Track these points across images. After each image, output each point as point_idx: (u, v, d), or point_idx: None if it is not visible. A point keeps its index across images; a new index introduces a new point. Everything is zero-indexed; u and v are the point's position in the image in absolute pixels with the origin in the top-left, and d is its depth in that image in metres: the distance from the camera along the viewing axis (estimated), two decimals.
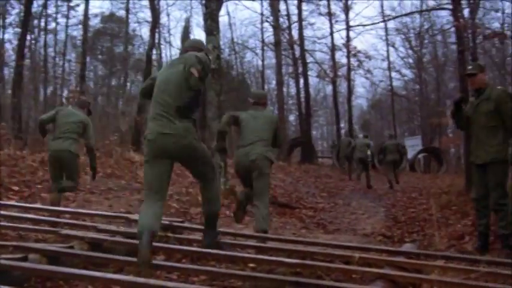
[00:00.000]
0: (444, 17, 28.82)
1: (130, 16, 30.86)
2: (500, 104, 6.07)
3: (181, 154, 4.36)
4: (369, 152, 16.65)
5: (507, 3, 19.54)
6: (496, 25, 20.02)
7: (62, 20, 30.54)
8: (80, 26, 28.31)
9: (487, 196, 6.16)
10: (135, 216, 6.20)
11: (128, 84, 35.56)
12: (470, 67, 6.67)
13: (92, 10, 38.79)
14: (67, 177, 7.34)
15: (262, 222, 5.97)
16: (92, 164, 7.78)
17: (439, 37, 31.07)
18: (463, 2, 14.09)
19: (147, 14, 31.69)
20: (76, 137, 7.43)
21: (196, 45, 4.84)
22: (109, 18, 33.65)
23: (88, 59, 30.91)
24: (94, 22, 32.66)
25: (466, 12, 14.59)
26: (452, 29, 15.84)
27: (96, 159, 8.01)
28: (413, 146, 29.89)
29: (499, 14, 20.41)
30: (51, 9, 29.27)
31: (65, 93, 31.39)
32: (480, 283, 3.71)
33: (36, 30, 28.52)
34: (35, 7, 25.10)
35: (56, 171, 7.34)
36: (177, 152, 4.32)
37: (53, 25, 30.71)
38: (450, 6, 13.52)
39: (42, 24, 29.13)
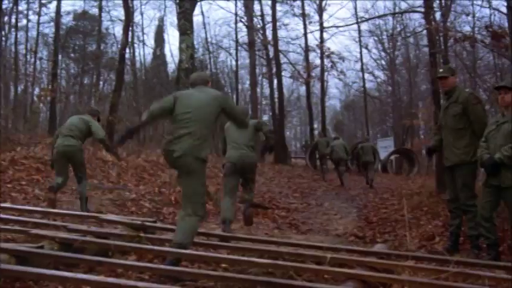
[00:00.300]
0: (416, 19, 29.19)
1: (103, 14, 30.63)
2: (467, 106, 6.18)
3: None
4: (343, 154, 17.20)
5: (478, 8, 19.88)
6: (467, 29, 20.26)
7: (33, 17, 30.10)
8: (52, 24, 27.94)
9: (458, 197, 6.26)
10: (106, 216, 6.16)
11: (101, 83, 35.22)
12: (441, 70, 6.78)
13: (64, 7, 38.54)
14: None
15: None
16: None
17: (411, 39, 31.35)
18: (435, 5, 14.26)
19: (120, 13, 31.42)
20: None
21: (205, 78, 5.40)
22: (81, 16, 33.28)
23: (60, 57, 30.56)
24: (66, 20, 32.28)
25: (438, 15, 14.76)
26: (424, 32, 15.98)
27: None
28: (385, 147, 30.17)
29: (470, 18, 20.67)
30: (22, 6, 28.81)
31: (36, 91, 31.04)
32: (450, 283, 3.75)
33: (6, 27, 28.05)
34: (6, 4, 24.74)
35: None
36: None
37: (24, 22, 30.27)
38: (422, 9, 13.67)
39: (13, 21, 28.66)
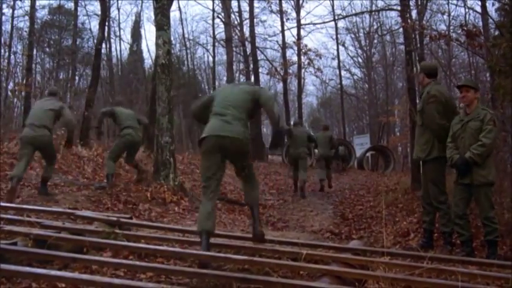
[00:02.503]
0: (393, 17, 29.48)
1: (79, 8, 30.21)
2: (423, 104, 6.31)
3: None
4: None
5: (453, 7, 20.08)
6: (443, 27, 20.48)
7: (7, 11, 29.64)
8: (27, 18, 27.53)
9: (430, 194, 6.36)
10: (81, 212, 6.11)
11: (77, 78, 34.84)
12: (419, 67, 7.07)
13: (39, 1, 37.96)
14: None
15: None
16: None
17: (387, 37, 31.63)
18: (411, 3, 14.39)
19: (96, 7, 31.20)
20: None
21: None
22: (57, 10, 32.92)
23: (35, 51, 30.17)
24: (41, 14, 31.90)
25: (414, 13, 14.90)
26: (401, 30, 16.13)
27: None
28: (361, 144, 30.33)
29: (446, 17, 20.90)
30: None
31: (11, 86, 30.62)
32: (423, 279, 3.79)
33: None
34: None
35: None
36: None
37: None
38: (399, 8, 13.77)
39: None
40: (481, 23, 14.52)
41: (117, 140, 10.26)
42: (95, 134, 11.00)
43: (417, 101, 11.94)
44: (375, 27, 34.66)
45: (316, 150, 15.45)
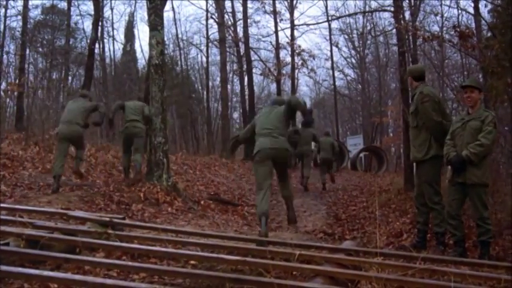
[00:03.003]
0: (386, 18, 29.57)
1: (72, 8, 30.20)
2: (417, 105, 6.31)
3: None
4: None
5: (446, 8, 20.13)
6: (436, 28, 20.55)
7: None
8: (20, 17, 27.43)
9: (424, 194, 6.36)
10: (74, 213, 6.08)
11: (70, 78, 34.75)
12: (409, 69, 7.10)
13: (32, 1, 37.88)
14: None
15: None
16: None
17: (381, 38, 31.70)
18: (404, 4, 14.42)
19: (89, 7, 31.12)
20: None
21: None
22: (50, 10, 32.76)
23: (28, 51, 30.03)
24: (34, 13, 31.74)
25: (407, 14, 14.93)
26: (394, 31, 16.14)
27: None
28: (355, 144, 30.39)
29: (439, 18, 20.94)
30: None
31: (3, 86, 30.48)
32: (416, 279, 3.80)
33: None
34: None
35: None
36: None
37: None
38: (392, 9, 13.80)
39: None
40: (473, 25, 14.56)
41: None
42: (107, 123, 11.47)
43: (410, 102, 11.99)
44: (368, 28, 34.78)
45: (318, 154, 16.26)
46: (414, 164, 6.73)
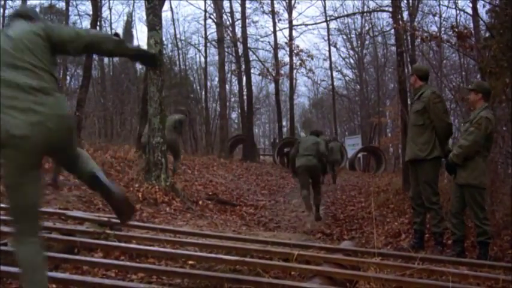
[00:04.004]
0: (384, 19, 29.62)
1: (70, 8, 30.07)
2: (428, 104, 6.28)
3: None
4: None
5: (444, 8, 20.16)
6: (434, 29, 20.55)
7: None
8: None
9: (421, 194, 6.35)
10: (72, 213, 6.08)
11: (68, 78, 34.71)
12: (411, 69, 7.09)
13: (31, 1, 37.76)
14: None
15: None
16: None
17: (379, 38, 31.74)
18: (402, 5, 14.43)
19: (88, 7, 31.11)
20: None
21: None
22: (48, 10, 32.69)
23: None
24: None
25: (405, 15, 14.93)
26: (392, 31, 16.17)
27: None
28: (353, 145, 30.42)
29: (437, 18, 20.96)
30: None
31: None
32: (414, 279, 3.80)
33: None
34: None
35: None
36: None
37: None
38: (390, 9, 13.81)
39: None
40: (471, 25, 14.55)
41: None
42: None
43: (408, 102, 11.98)
44: (367, 28, 34.88)
45: None
46: (409, 162, 6.66)
